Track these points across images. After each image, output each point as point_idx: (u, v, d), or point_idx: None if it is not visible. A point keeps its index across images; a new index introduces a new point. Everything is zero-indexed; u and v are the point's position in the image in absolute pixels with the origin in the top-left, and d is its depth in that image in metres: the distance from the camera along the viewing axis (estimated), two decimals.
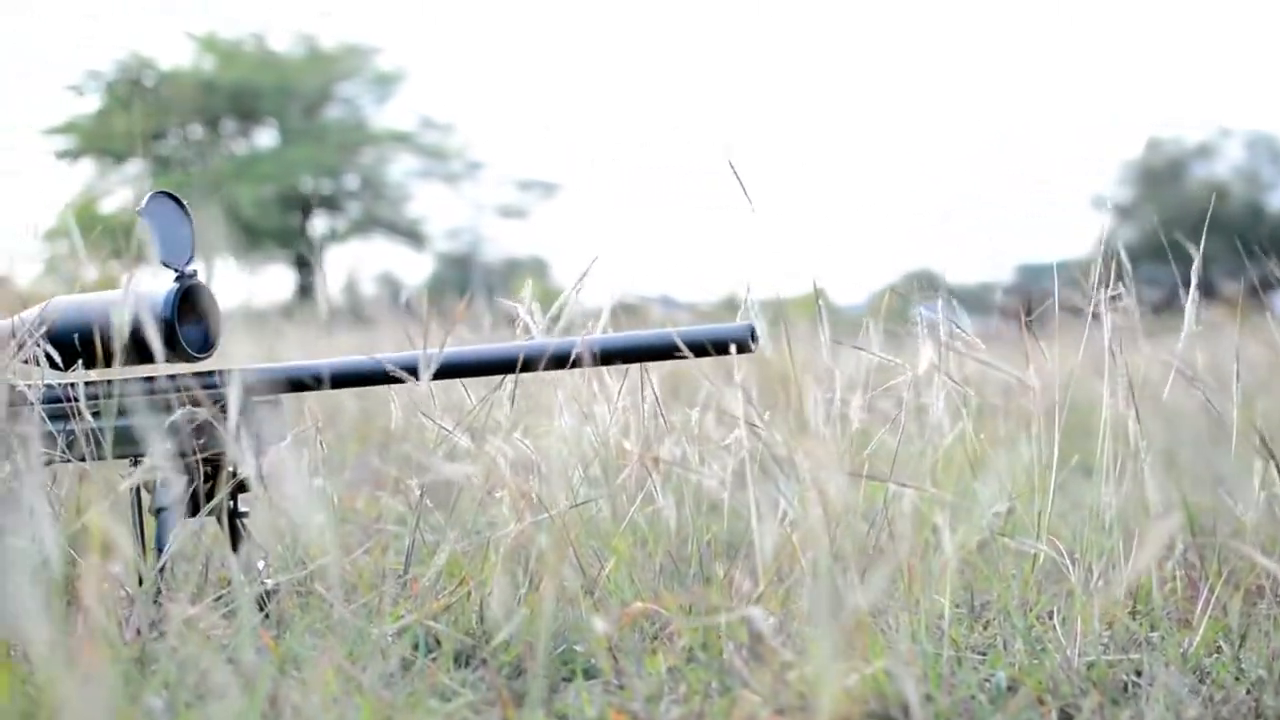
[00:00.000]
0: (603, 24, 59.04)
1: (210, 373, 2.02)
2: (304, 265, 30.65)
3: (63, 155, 30.91)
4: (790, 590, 2.06)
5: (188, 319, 1.98)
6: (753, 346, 1.88)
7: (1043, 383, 2.15)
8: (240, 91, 30.86)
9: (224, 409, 2.00)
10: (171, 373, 2.00)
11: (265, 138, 32.46)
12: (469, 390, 2.08)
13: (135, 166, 31.83)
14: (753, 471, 1.95)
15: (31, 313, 2.05)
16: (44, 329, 2.01)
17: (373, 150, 32.28)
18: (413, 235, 32.79)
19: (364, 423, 4.40)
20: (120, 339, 1.94)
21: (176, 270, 2.02)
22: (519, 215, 33.50)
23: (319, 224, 32.31)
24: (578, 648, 1.86)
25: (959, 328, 2.19)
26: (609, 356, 1.93)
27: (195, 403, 1.99)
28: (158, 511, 1.98)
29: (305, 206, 31.45)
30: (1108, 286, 2.15)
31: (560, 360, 1.92)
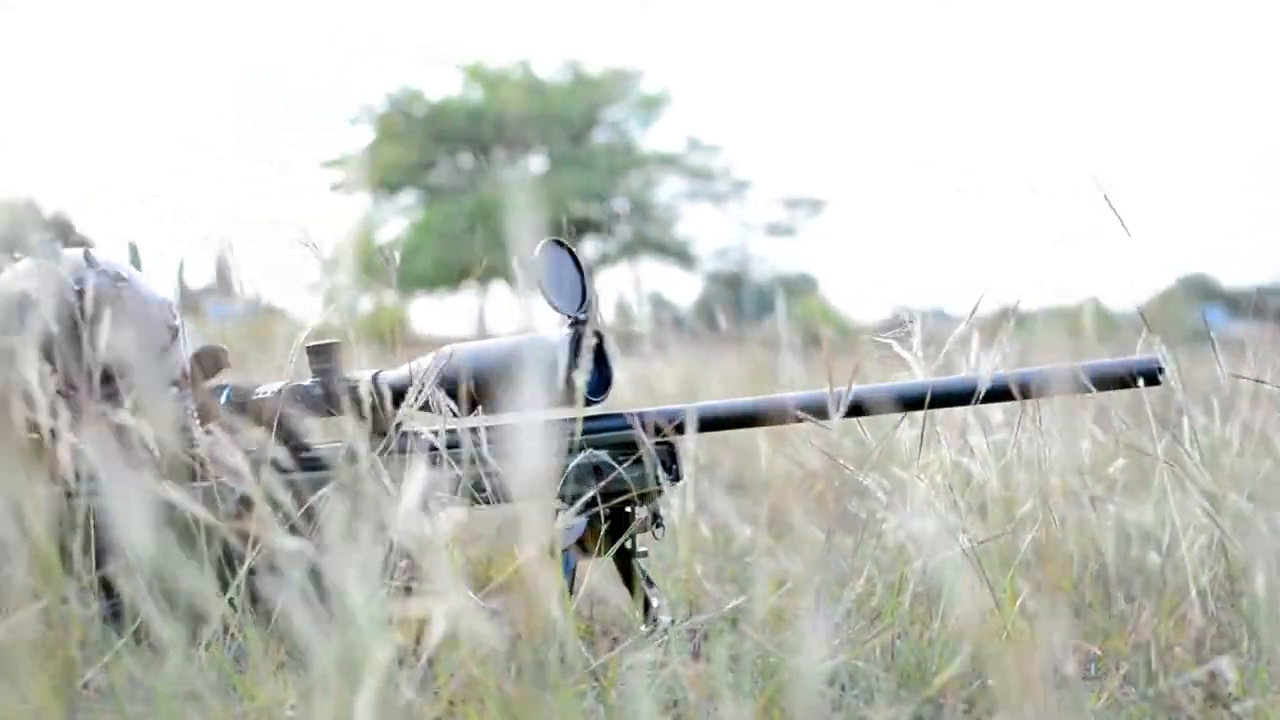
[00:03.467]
0: (862, 38, 58.71)
1: (617, 414, 2.06)
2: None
3: (337, 187, 31.77)
4: (1180, 618, 2.03)
5: (583, 364, 2.02)
6: (1161, 379, 1.85)
7: None
8: (508, 119, 31.37)
9: (624, 451, 2.05)
10: (575, 415, 2.04)
11: (534, 164, 32.91)
12: (864, 427, 2.08)
13: (408, 197, 32.65)
14: (1177, 501, 1.92)
15: (429, 359, 2.11)
16: (441, 375, 2.07)
17: (640, 173, 32.54)
18: (681, 256, 32.94)
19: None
20: (521, 384, 1.99)
21: (570, 316, 2.06)
22: (787, 233, 33.43)
23: (589, 248, 32.65)
24: (989, 681, 1.84)
25: None
26: (1010, 392, 1.90)
27: (597, 446, 2.03)
28: (553, 553, 2.02)
29: (575, 231, 31.78)
30: None
31: (965, 396, 1.91)
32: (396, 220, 32.49)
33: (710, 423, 2.04)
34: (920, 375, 2.06)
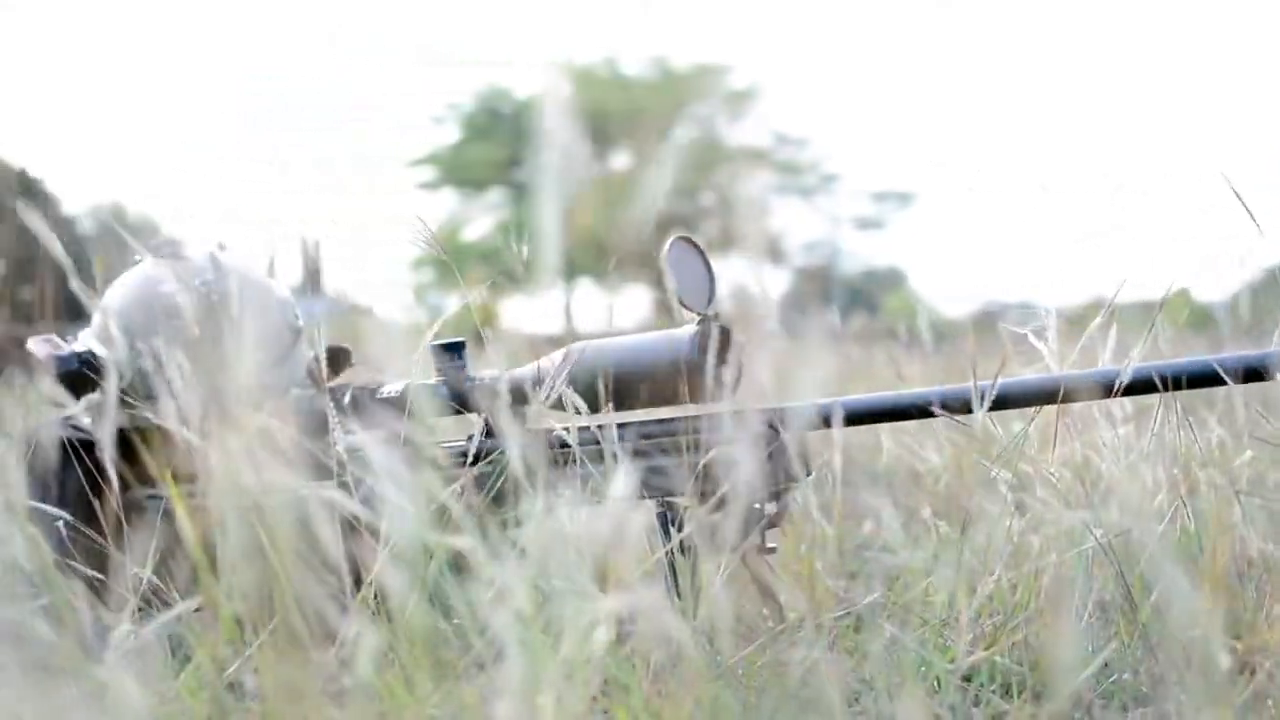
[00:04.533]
0: (955, 31, 58.30)
1: (755, 410, 2.05)
2: (662, 284, 31.00)
3: (425, 186, 31.93)
4: None
5: (710, 360, 2.00)
6: None
7: None
8: (594, 116, 31.38)
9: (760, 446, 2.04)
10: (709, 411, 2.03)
11: (620, 160, 32.90)
12: (995, 422, 2.06)
13: (495, 195, 32.72)
14: None
15: (558, 356, 2.11)
16: (568, 372, 2.06)
17: (727, 168, 32.47)
18: (770, 250, 32.73)
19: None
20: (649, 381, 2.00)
21: (698, 313, 2.06)
22: (875, 227, 33.29)
23: None
24: (1125, 676, 1.83)
25: None
26: (1149, 385, 1.87)
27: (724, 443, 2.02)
28: (685, 550, 2.01)
29: (662, 227, 31.75)
30: None
31: (1105, 389, 1.88)
32: (484, 218, 32.57)
33: (855, 417, 2.02)
34: (1057, 369, 2.04)
